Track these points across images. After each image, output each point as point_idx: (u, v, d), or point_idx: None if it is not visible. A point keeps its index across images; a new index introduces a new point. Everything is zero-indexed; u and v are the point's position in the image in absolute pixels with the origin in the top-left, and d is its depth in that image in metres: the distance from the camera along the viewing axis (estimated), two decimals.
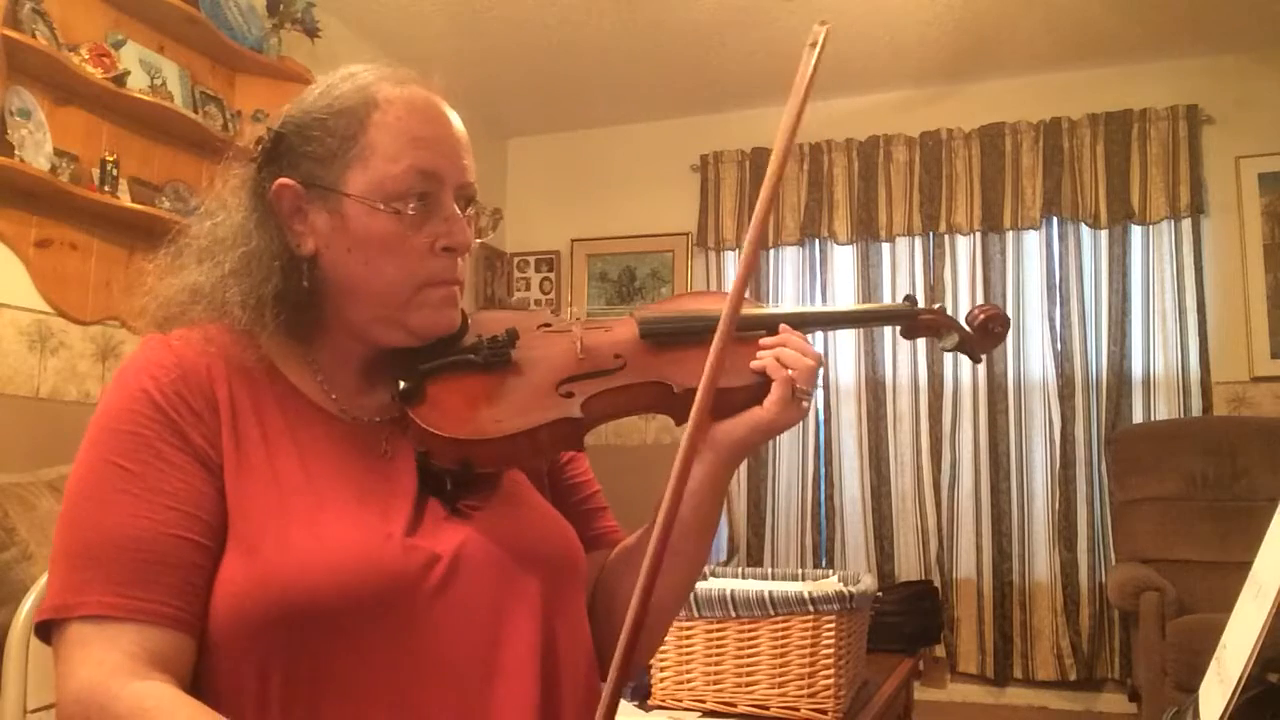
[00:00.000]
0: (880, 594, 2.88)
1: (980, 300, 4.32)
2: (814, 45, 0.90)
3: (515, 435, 0.84)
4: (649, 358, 0.94)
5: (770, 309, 1.03)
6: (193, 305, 0.88)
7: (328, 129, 0.88)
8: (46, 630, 0.79)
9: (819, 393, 4.39)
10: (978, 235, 4.36)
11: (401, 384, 0.88)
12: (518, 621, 0.84)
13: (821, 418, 4.45)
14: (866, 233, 4.51)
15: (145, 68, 2.95)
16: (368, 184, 0.86)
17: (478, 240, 0.95)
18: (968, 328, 1.06)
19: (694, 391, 0.89)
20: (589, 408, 0.88)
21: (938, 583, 4.18)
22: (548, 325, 0.98)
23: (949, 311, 1.06)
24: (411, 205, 0.86)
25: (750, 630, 1.56)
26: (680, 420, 0.92)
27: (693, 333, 0.95)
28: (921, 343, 4.16)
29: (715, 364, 0.83)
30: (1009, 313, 4.26)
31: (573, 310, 4.98)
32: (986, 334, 1.07)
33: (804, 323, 1.00)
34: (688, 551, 0.95)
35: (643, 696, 1.65)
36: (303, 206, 0.88)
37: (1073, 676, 4.03)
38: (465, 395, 0.88)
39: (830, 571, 1.89)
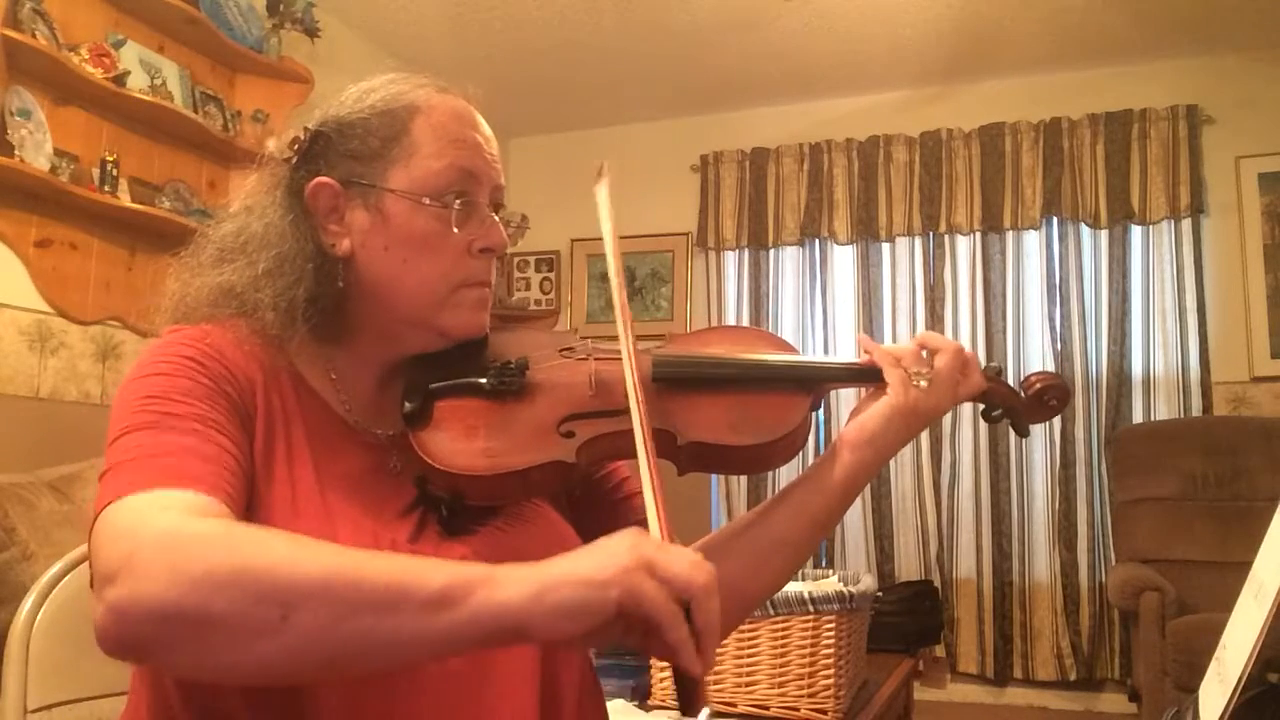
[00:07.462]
0: (880, 594, 2.88)
1: (980, 301, 4.32)
2: (599, 175, 0.96)
3: (506, 475, 0.83)
4: (659, 401, 0.91)
5: (791, 357, 1.01)
6: (223, 304, 0.87)
7: (370, 128, 0.89)
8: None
9: None
10: (978, 235, 4.36)
11: (407, 405, 0.87)
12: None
13: (821, 417, 4.45)
14: (866, 233, 4.51)
15: (145, 68, 2.95)
16: (410, 181, 0.88)
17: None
18: (1021, 394, 1.01)
19: (699, 445, 0.89)
20: (586, 451, 0.86)
21: (938, 583, 4.18)
22: (569, 350, 0.96)
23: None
24: (457, 201, 0.88)
25: (750, 630, 1.56)
26: (682, 471, 0.90)
27: (707, 380, 0.94)
28: None
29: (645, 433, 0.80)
30: (1009, 313, 4.29)
31: (577, 327, 4.98)
32: (1040, 405, 1.01)
33: (824, 378, 1.01)
34: (799, 542, 0.96)
35: (642, 696, 1.65)
36: (340, 205, 0.89)
37: (1073, 676, 4.03)
38: (467, 422, 0.87)
39: (830, 571, 1.89)
